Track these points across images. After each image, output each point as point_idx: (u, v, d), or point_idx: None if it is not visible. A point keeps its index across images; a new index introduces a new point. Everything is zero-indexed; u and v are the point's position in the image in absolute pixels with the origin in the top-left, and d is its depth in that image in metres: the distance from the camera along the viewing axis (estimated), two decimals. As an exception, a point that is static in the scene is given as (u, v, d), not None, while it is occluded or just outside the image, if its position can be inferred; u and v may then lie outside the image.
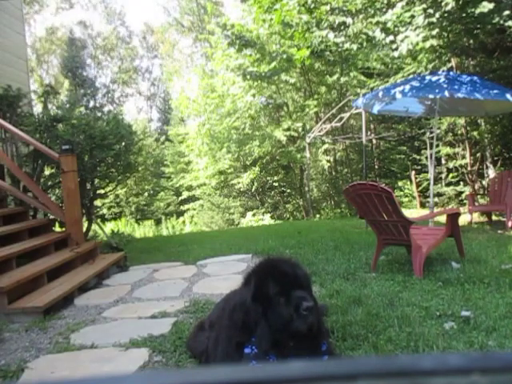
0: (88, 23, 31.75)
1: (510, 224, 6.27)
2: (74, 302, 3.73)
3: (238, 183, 14.23)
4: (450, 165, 10.17)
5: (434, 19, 6.77)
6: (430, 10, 6.72)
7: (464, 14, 6.82)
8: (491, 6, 6.25)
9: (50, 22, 30.48)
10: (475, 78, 6.17)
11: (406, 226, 3.81)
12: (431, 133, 8.98)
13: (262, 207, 14.30)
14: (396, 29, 7.50)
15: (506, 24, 6.55)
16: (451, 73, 6.88)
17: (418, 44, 7.15)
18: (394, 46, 7.71)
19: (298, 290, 1.94)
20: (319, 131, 11.07)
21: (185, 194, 17.70)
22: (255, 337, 1.84)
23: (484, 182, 9.29)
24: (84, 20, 31.98)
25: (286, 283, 1.94)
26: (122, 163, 6.22)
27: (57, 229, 5.74)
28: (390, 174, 12.96)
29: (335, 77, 11.62)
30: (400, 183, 11.86)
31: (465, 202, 9.28)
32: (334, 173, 13.73)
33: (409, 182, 11.61)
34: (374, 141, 13.38)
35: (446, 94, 5.42)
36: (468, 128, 9.55)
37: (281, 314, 1.86)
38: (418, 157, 11.29)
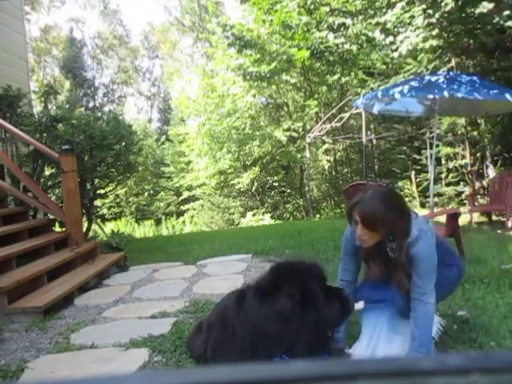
0: (86, 22, 31.76)
1: (509, 224, 6.27)
2: (74, 302, 3.73)
3: (238, 183, 14.21)
4: (450, 165, 10.16)
5: (433, 20, 6.77)
6: (430, 11, 6.72)
7: (464, 15, 6.81)
8: (491, 6, 6.25)
9: (44, 21, 30.36)
10: (475, 77, 6.17)
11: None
12: (431, 133, 8.98)
13: (262, 207, 14.29)
14: (396, 29, 7.50)
15: (506, 24, 6.55)
16: (451, 73, 6.87)
17: (417, 45, 7.14)
18: (393, 47, 7.71)
19: (326, 281, 2.00)
20: (319, 131, 11.07)
21: (185, 194, 17.67)
22: (291, 345, 1.82)
23: (484, 182, 9.28)
24: (81, 19, 32.02)
25: (319, 280, 1.96)
26: (121, 163, 6.21)
27: (57, 229, 5.74)
28: (390, 173, 12.96)
29: (336, 77, 11.61)
30: (400, 183, 11.86)
31: (465, 201, 9.28)
32: (334, 173, 13.73)
33: (409, 182, 11.61)
34: (374, 141, 13.37)
35: (446, 93, 5.43)
36: (468, 128, 9.55)
37: (331, 308, 1.90)
38: (418, 157, 11.28)
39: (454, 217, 4.34)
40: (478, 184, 9.35)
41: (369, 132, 12.52)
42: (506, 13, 6.42)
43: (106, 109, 27.81)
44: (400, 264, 2.05)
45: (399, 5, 7.11)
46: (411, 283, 2.07)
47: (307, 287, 1.89)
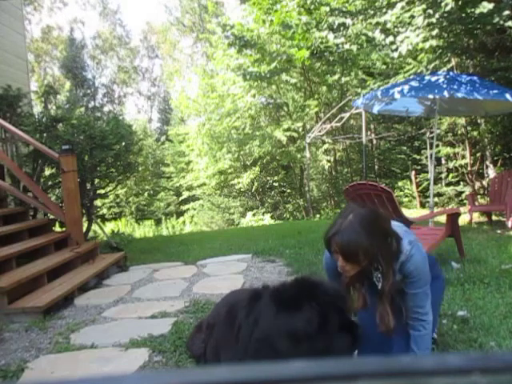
0: (86, 23, 31.78)
1: (510, 224, 6.26)
2: (74, 302, 3.73)
3: (238, 183, 14.22)
4: (450, 165, 10.16)
5: (433, 20, 6.76)
6: (430, 11, 6.72)
7: (464, 15, 6.81)
8: (491, 6, 6.24)
9: (45, 22, 30.44)
10: (475, 77, 6.17)
11: (406, 226, 3.80)
12: (431, 133, 8.98)
13: (262, 207, 14.29)
14: (396, 29, 7.50)
15: (506, 24, 6.54)
16: (451, 73, 6.87)
17: (417, 45, 7.14)
18: (393, 47, 7.71)
19: (345, 313, 1.92)
20: (319, 131, 11.07)
21: (185, 194, 17.68)
22: None
23: (484, 182, 9.28)
24: (81, 19, 32.04)
25: (340, 310, 1.88)
26: (121, 163, 6.21)
27: (57, 229, 5.74)
28: (390, 173, 12.95)
29: (336, 77, 11.61)
30: (400, 183, 11.86)
31: (465, 201, 9.27)
32: (334, 173, 13.73)
33: (409, 182, 11.61)
34: (374, 141, 13.38)
35: (446, 93, 5.42)
36: (468, 128, 9.55)
37: (343, 341, 1.83)
38: (418, 157, 11.28)
39: (453, 217, 4.34)
40: (478, 184, 9.35)
41: (369, 132, 12.52)
42: (506, 13, 6.42)
43: (106, 109, 27.85)
44: (386, 295, 1.85)
45: (399, 5, 7.10)
46: (410, 302, 1.93)
47: (327, 315, 1.83)
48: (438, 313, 2.26)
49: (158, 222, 18.05)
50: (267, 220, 12.72)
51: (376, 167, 13.12)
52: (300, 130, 12.74)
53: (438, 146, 9.65)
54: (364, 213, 1.84)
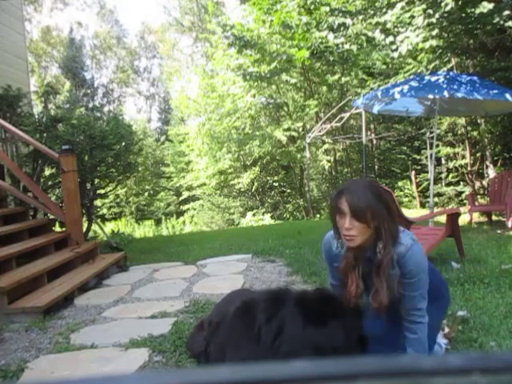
0: (85, 23, 31.76)
1: (510, 224, 6.26)
2: (74, 302, 3.73)
3: (238, 183, 14.22)
4: (450, 165, 10.16)
5: (433, 20, 6.76)
6: (430, 11, 6.72)
7: (464, 15, 6.81)
8: (491, 6, 6.25)
9: (45, 23, 30.47)
10: (475, 77, 6.17)
11: (406, 226, 3.81)
12: (431, 133, 8.98)
13: (262, 207, 14.28)
14: (396, 29, 7.50)
15: (506, 24, 6.54)
16: (451, 73, 6.88)
17: (417, 45, 7.15)
18: (393, 47, 7.71)
19: (362, 327, 1.94)
20: (319, 131, 11.07)
21: (185, 194, 17.68)
22: None
23: (484, 182, 9.28)
24: (81, 20, 32.06)
25: (361, 329, 1.93)
26: (121, 163, 6.21)
27: (57, 229, 5.73)
28: (390, 173, 12.95)
29: (336, 77, 11.62)
30: (400, 183, 11.85)
31: (465, 201, 9.27)
32: (334, 173, 13.73)
33: (409, 182, 11.61)
34: (374, 141, 13.37)
35: (445, 93, 5.42)
36: (468, 128, 9.55)
37: (356, 349, 1.87)
38: (418, 157, 11.28)
39: (454, 217, 4.34)
40: (478, 184, 9.35)
41: (369, 132, 12.52)
42: (506, 13, 6.42)
43: (106, 109, 27.87)
44: (383, 269, 1.79)
45: (399, 5, 7.10)
46: (407, 305, 1.88)
47: (349, 333, 1.86)
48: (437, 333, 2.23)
49: (158, 222, 18.04)
50: (267, 220, 12.71)
51: (376, 167, 13.12)
52: (300, 129, 12.74)
53: (437, 146, 9.65)
54: (367, 180, 1.90)
